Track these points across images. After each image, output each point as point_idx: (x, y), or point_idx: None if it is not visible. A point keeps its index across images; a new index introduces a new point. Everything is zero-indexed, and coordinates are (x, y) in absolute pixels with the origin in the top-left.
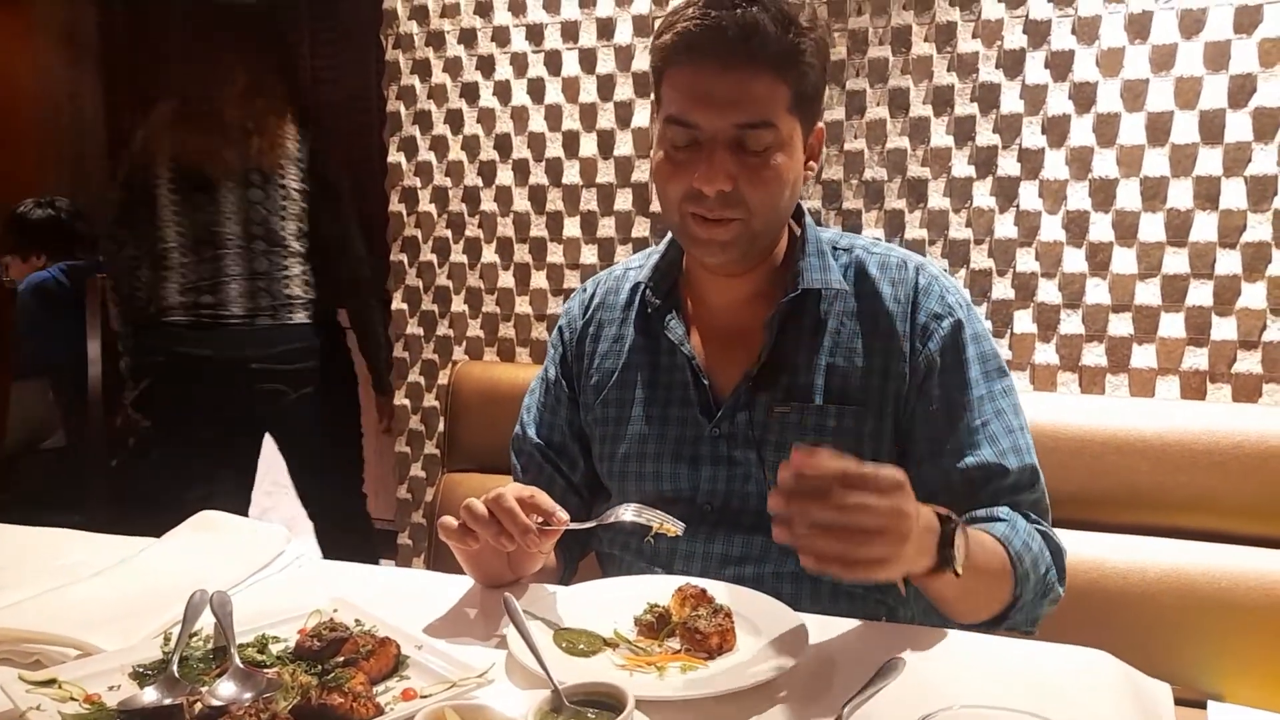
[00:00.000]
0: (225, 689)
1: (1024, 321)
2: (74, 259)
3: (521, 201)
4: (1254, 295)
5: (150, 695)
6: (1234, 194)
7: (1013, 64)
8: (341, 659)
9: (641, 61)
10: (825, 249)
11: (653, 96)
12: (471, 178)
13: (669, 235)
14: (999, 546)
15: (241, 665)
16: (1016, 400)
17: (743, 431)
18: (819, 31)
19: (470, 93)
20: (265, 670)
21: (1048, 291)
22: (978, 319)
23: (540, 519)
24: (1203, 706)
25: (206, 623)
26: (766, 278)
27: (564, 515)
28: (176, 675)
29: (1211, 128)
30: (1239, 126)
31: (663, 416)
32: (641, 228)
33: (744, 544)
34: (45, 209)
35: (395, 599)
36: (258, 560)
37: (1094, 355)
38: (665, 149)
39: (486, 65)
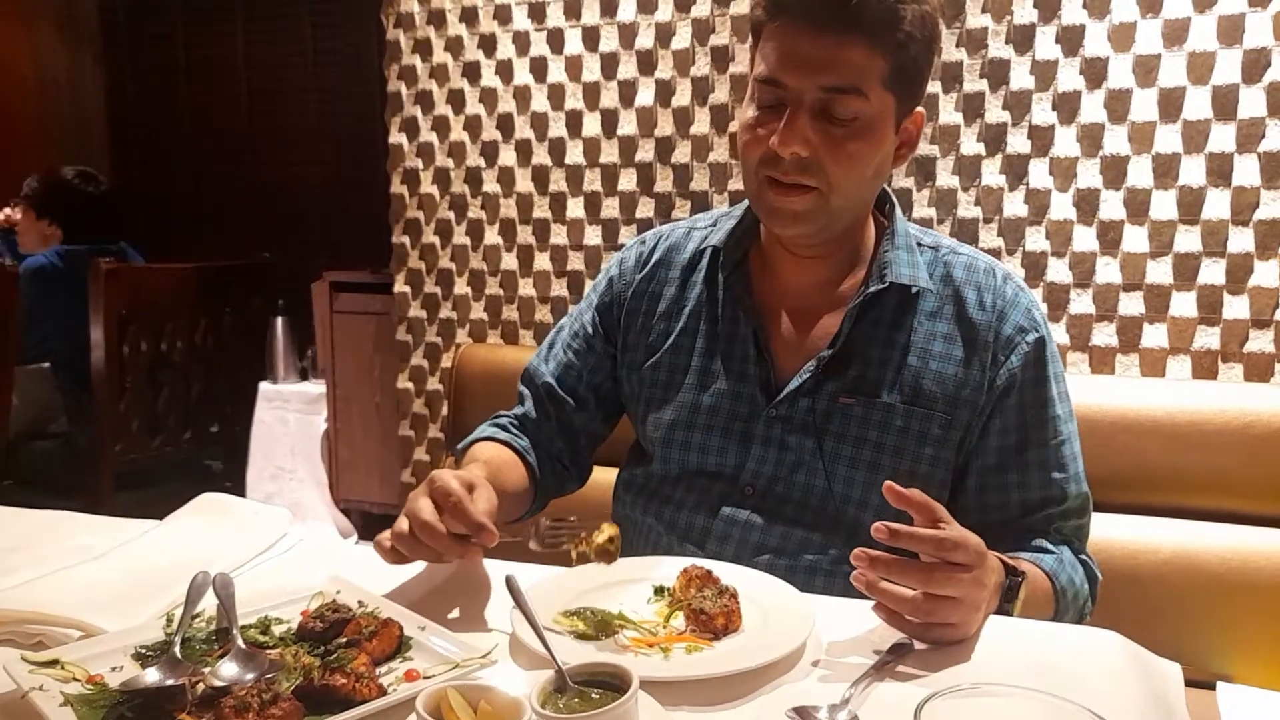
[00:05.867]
0: (227, 670)
1: None
2: (101, 240)
3: (524, 182)
4: (1267, 273)
5: (152, 676)
6: (1247, 170)
7: (1023, 39)
8: (344, 640)
9: (646, 39)
10: (913, 244)
11: (749, 58)
12: (474, 158)
13: (747, 201)
14: (1047, 583)
15: (244, 646)
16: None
17: (802, 417)
18: (927, 6)
19: (472, 72)
20: (268, 651)
21: (1058, 270)
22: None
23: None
24: (1212, 687)
25: (209, 604)
26: (848, 263)
27: (493, 533)
28: (179, 656)
29: (1224, 103)
30: (1253, 102)
31: (718, 389)
32: (646, 208)
33: (782, 535)
34: (91, 184)
35: (398, 580)
36: (260, 542)
37: (1104, 335)
38: (751, 111)
39: (488, 44)
